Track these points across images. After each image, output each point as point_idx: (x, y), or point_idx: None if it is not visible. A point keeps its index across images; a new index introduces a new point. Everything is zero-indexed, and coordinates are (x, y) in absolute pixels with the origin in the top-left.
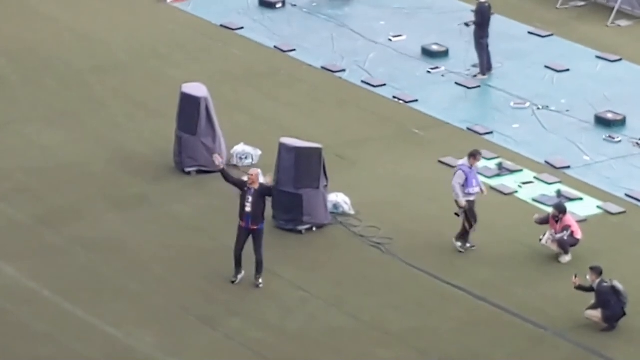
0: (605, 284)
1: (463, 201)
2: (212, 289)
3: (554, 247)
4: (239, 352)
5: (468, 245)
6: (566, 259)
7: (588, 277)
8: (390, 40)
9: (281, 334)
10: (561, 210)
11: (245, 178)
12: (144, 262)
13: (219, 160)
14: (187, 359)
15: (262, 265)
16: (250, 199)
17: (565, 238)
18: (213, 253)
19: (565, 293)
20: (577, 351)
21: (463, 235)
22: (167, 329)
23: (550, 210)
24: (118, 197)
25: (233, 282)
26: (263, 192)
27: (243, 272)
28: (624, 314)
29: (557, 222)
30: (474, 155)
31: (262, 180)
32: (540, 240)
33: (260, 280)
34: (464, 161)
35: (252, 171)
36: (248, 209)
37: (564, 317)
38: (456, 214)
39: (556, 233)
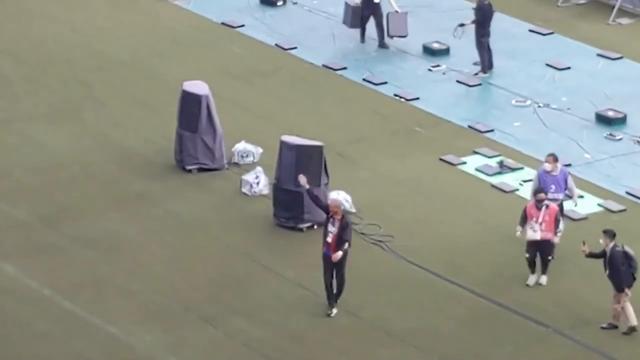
0: (618, 249)
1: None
2: (213, 287)
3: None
4: (240, 351)
5: None
6: (545, 279)
7: (602, 241)
8: (392, 38)
9: (282, 333)
10: (539, 192)
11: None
12: (144, 261)
13: (303, 181)
14: (188, 357)
15: (340, 292)
16: (331, 228)
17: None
18: (214, 251)
19: (566, 291)
20: (578, 349)
21: None
22: (168, 328)
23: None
24: (119, 195)
25: (329, 314)
26: (346, 225)
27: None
28: (634, 279)
29: (540, 209)
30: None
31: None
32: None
33: (334, 310)
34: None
35: (333, 202)
36: (329, 239)
37: (565, 315)
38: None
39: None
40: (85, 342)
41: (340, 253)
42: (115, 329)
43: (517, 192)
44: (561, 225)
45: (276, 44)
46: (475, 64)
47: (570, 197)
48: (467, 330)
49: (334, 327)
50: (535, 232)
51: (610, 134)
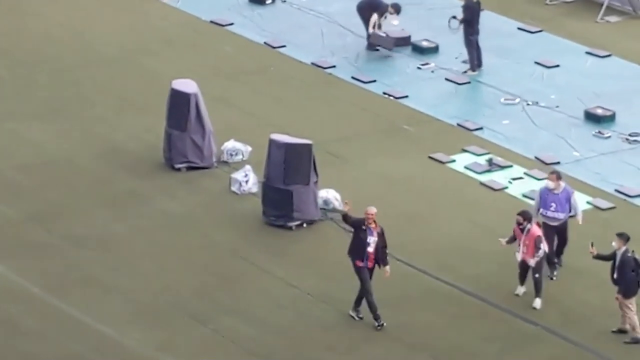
0: (629, 255)
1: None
2: (203, 285)
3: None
4: (229, 349)
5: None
6: (539, 302)
7: (614, 243)
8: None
9: (272, 330)
10: (527, 217)
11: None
12: (134, 259)
13: (347, 207)
14: (177, 355)
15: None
16: (371, 238)
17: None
18: (203, 250)
19: (556, 288)
20: (568, 347)
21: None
22: (157, 326)
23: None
24: (108, 193)
25: (379, 326)
26: (382, 231)
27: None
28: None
29: (522, 231)
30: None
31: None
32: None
33: (382, 322)
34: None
35: (370, 210)
36: (370, 249)
37: (555, 312)
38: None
39: (523, 246)
40: (75, 340)
41: (388, 267)
42: (105, 327)
43: (506, 190)
44: (542, 248)
45: (265, 42)
46: (464, 62)
47: (573, 216)
48: (456, 327)
49: (322, 325)
50: (517, 253)
51: (599, 132)
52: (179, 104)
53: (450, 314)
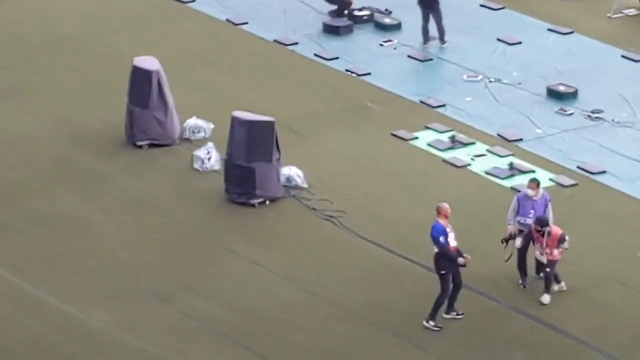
0: None
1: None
2: (166, 264)
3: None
4: (194, 328)
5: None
6: (547, 298)
7: None
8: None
9: (237, 309)
10: (544, 223)
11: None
12: (98, 238)
13: (462, 261)
14: (142, 335)
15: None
16: (451, 234)
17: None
18: (168, 228)
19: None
20: (530, 323)
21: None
22: (121, 306)
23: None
24: (71, 172)
25: (459, 315)
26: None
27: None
28: None
29: (543, 235)
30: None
31: None
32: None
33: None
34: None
35: (443, 206)
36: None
37: (517, 289)
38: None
39: (547, 248)
40: (39, 321)
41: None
42: (69, 307)
43: (468, 167)
44: (567, 240)
45: (227, 20)
46: (432, 38)
47: None
48: (421, 305)
49: (288, 304)
50: (539, 256)
51: (562, 109)
52: (141, 81)
53: (415, 292)
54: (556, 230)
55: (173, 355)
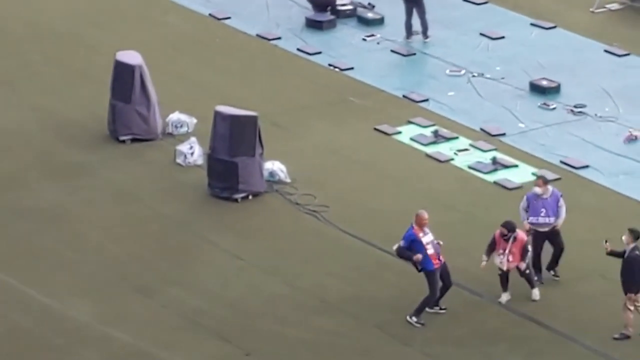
0: (636, 253)
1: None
2: (149, 257)
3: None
4: (176, 321)
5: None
6: (536, 293)
7: (624, 237)
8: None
9: (219, 302)
10: (511, 228)
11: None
12: (80, 231)
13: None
14: (124, 328)
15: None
16: (427, 238)
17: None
18: (150, 221)
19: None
20: (512, 318)
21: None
22: (103, 298)
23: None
24: (54, 165)
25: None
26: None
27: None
28: None
29: (507, 241)
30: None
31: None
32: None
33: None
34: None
35: (422, 214)
36: (430, 251)
37: (499, 283)
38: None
39: (510, 254)
40: (21, 313)
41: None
42: (51, 300)
43: (451, 162)
44: (529, 249)
45: (210, 14)
46: (415, 32)
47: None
48: (403, 298)
49: (270, 297)
50: (501, 263)
51: (544, 104)
52: (124, 75)
53: (397, 285)
54: (522, 236)
55: (155, 347)
